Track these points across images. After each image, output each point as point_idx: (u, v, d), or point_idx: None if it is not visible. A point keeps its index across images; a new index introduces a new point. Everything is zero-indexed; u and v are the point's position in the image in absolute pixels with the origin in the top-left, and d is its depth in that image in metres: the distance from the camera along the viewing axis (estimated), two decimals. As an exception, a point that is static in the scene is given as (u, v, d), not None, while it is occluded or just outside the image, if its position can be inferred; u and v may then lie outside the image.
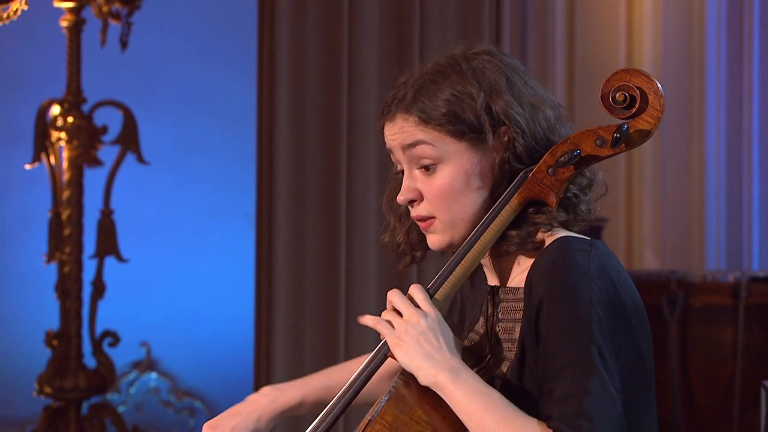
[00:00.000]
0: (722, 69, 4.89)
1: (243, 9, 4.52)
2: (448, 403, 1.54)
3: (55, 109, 3.83)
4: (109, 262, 3.95)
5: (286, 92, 3.70)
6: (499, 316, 1.69)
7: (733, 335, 4.05)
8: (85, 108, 3.85)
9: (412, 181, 1.69)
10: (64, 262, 3.82)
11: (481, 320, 1.74)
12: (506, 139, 1.64)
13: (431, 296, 1.62)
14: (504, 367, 1.64)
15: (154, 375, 4.84)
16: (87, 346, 3.88)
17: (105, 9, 3.79)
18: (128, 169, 4.00)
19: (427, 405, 1.55)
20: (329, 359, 3.67)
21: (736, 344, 4.04)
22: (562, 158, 1.61)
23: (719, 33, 4.89)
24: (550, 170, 1.62)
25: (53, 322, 3.91)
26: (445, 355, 1.56)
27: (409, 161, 1.69)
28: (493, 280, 1.74)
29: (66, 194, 3.80)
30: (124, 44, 3.81)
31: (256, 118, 3.79)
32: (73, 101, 3.82)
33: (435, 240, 1.69)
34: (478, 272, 1.81)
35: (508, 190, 1.64)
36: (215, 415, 1.91)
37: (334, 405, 1.65)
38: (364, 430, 1.55)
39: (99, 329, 3.92)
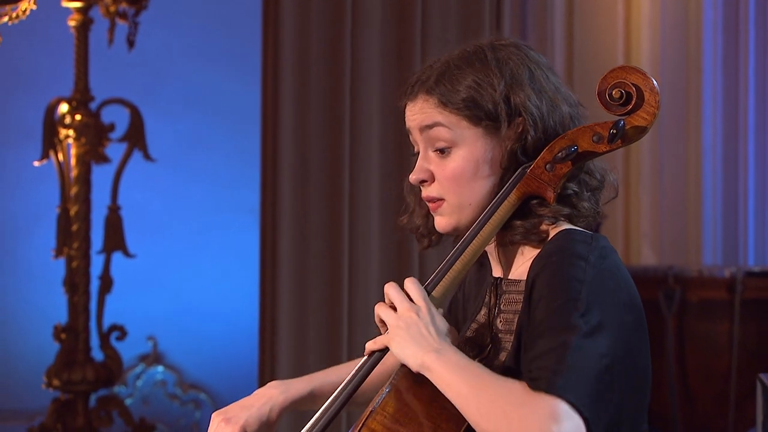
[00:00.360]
0: (718, 67, 4.89)
1: (247, 9, 4.50)
2: (435, 384, 1.53)
3: (63, 107, 3.84)
4: (117, 257, 3.96)
5: (290, 91, 3.72)
6: (501, 307, 1.70)
7: (729, 329, 4.06)
8: (93, 106, 3.86)
9: (426, 162, 1.70)
10: (72, 257, 3.83)
11: (483, 310, 1.75)
12: (520, 130, 1.65)
13: (430, 292, 1.63)
14: (503, 357, 1.65)
15: (160, 368, 4.83)
16: (95, 340, 3.89)
17: (112, 9, 3.79)
18: (135, 166, 4.00)
19: (426, 396, 1.56)
20: (332, 352, 3.69)
21: (732, 338, 4.05)
22: (560, 154, 1.62)
23: (715, 32, 4.88)
24: (547, 166, 1.63)
25: (61, 316, 3.92)
26: (433, 339, 1.56)
27: (426, 142, 1.70)
28: (497, 271, 1.75)
29: (74, 191, 3.82)
30: (131, 43, 3.81)
31: (261, 116, 3.80)
32: (80, 99, 3.83)
33: (442, 222, 1.71)
34: (485, 263, 1.81)
35: (506, 185, 1.65)
36: (220, 408, 1.87)
37: (336, 398, 1.65)
38: (365, 421, 1.57)
39: (106, 323, 3.93)
